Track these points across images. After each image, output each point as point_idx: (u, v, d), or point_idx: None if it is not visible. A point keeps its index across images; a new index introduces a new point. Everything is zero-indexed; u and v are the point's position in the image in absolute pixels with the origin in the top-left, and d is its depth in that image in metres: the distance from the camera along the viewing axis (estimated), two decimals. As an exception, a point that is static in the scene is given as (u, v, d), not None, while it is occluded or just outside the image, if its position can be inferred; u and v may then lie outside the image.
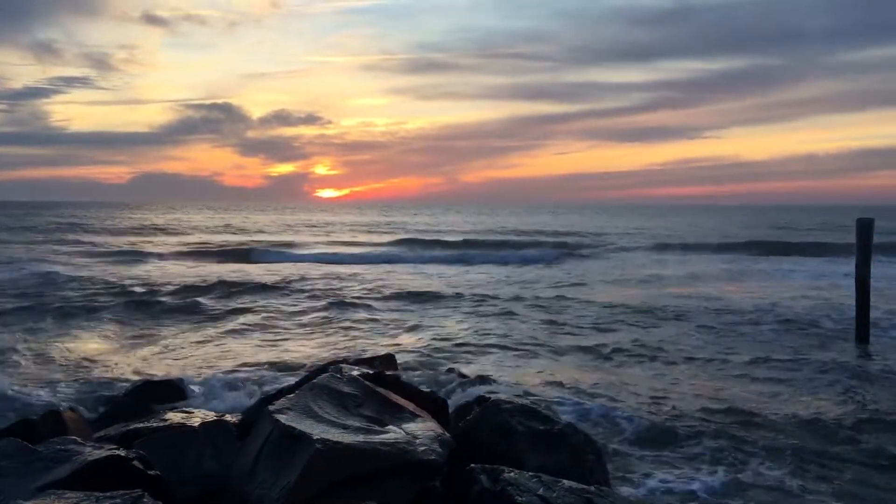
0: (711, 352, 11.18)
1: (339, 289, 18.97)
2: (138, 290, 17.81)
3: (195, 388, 8.50)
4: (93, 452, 4.50)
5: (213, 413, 6.36)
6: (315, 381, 5.64)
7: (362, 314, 14.86)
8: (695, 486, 6.11)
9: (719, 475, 6.26)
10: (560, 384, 9.00)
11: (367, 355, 9.54)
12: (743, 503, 5.76)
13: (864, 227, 12.45)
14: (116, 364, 10.37)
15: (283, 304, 15.96)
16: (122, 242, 37.23)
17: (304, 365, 9.95)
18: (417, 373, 9.71)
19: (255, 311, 14.91)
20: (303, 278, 21.34)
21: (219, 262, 28.87)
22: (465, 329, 13.22)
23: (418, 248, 35.97)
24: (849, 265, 24.82)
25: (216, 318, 14.33)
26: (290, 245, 37.80)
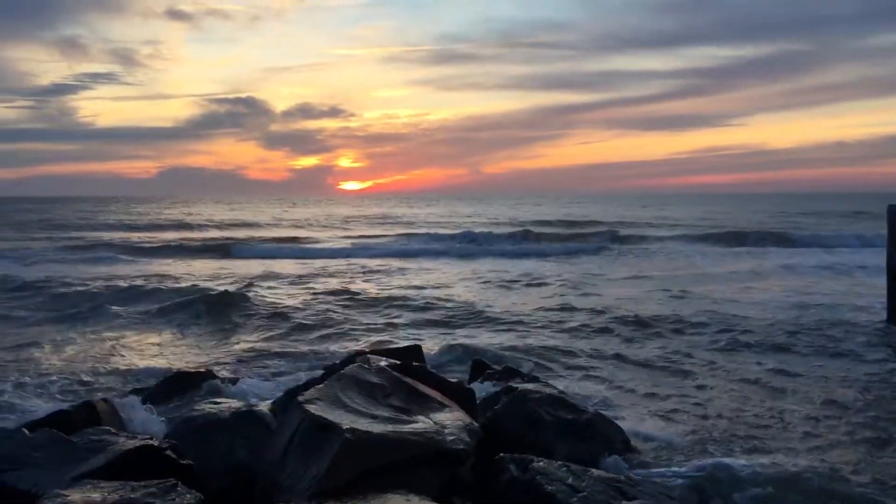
0: (750, 343, 10.91)
1: (323, 286, 18.41)
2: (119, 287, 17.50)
3: (225, 380, 8.59)
4: (126, 442, 4.58)
5: (243, 403, 6.43)
6: (343, 371, 5.67)
7: (352, 315, 14.04)
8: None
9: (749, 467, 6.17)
10: (596, 385, 8.83)
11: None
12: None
13: (895, 214, 12.49)
14: (141, 357, 10.51)
15: (264, 302, 15.38)
16: (108, 237, 37.09)
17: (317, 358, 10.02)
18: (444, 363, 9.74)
19: (250, 307, 14.61)
20: (278, 276, 20.93)
21: (196, 258, 28.03)
22: (489, 323, 13.00)
23: (428, 241, 34.57)
24: (861, 255, 24.76)
25: (201, 315, 14.00)
26: (291, 240, 36.97)
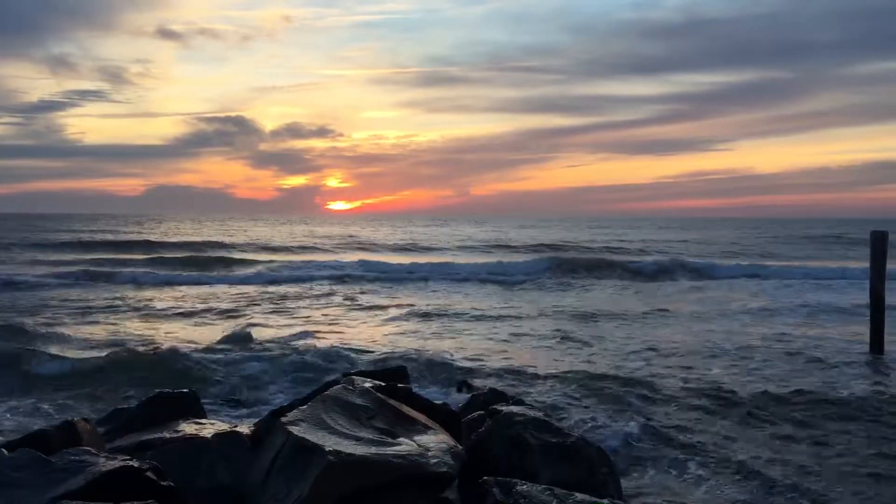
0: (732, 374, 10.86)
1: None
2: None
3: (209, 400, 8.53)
4: (106, 463, 4.52)
5: (226, 424, 6.38)
6: (327, 392, 5.65)
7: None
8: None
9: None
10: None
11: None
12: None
13: (878, 240, 12.57)
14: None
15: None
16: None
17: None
18: (429, 386, 9.72)
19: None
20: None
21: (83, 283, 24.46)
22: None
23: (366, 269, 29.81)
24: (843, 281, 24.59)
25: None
26: (217, 261, 33.54)
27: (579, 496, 4.68)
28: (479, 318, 16.86)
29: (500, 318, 16.99)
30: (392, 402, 5.68)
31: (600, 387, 9.66)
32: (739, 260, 37.15)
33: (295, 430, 4.87)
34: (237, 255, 37.85)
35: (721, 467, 6.81)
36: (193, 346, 12.33)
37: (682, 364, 11.39)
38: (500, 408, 6.45)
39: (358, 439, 4.90)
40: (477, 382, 9.68)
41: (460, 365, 11.14)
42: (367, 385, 5.86)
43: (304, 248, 46.66)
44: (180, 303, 19.71)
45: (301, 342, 12.76)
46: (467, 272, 29.46)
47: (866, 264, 13.29)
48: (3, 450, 4.86)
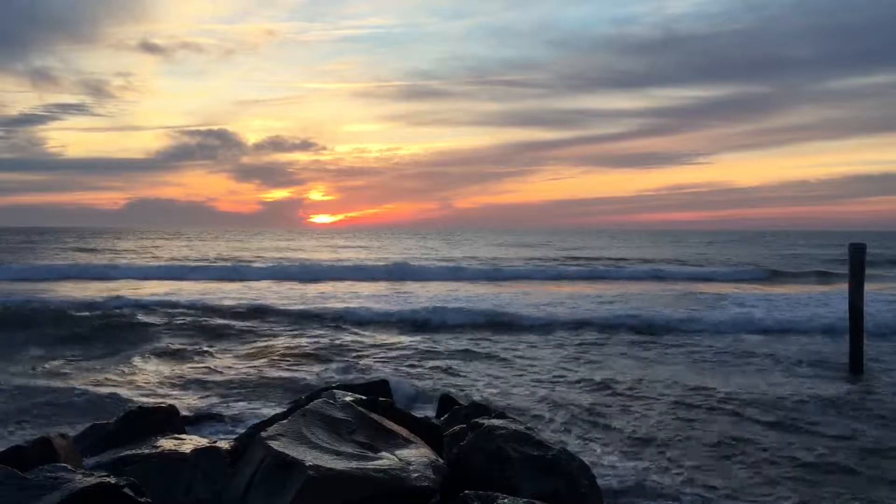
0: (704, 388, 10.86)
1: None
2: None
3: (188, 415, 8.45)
4: (83, 480, 4.46)
5: (205, 439, 6.32)
6: (308, 406, 5.61)
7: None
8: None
9: None
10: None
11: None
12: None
13: (857, 253, 12.22)
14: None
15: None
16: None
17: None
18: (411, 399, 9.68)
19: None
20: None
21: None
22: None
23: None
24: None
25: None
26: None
27: (560, 510, 4.67)
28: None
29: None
30: (373, 415, 5.66)
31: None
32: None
33: (275, 444, 4.83)
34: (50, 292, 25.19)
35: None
36: None
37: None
38: (481, 421, 6.44)
39: (338, 454, 4.87)
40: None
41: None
42: (348, 399, 5.84)
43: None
44: None
45: None
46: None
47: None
48: (-22, 466, 4.78)
